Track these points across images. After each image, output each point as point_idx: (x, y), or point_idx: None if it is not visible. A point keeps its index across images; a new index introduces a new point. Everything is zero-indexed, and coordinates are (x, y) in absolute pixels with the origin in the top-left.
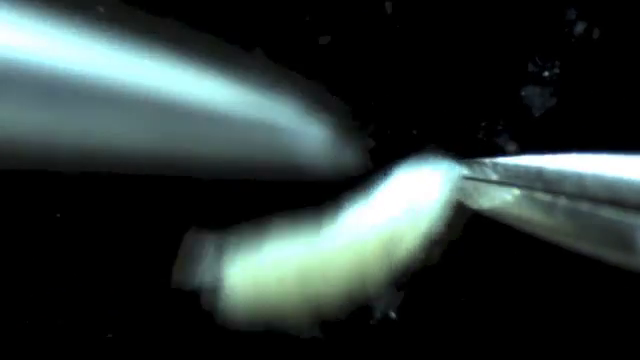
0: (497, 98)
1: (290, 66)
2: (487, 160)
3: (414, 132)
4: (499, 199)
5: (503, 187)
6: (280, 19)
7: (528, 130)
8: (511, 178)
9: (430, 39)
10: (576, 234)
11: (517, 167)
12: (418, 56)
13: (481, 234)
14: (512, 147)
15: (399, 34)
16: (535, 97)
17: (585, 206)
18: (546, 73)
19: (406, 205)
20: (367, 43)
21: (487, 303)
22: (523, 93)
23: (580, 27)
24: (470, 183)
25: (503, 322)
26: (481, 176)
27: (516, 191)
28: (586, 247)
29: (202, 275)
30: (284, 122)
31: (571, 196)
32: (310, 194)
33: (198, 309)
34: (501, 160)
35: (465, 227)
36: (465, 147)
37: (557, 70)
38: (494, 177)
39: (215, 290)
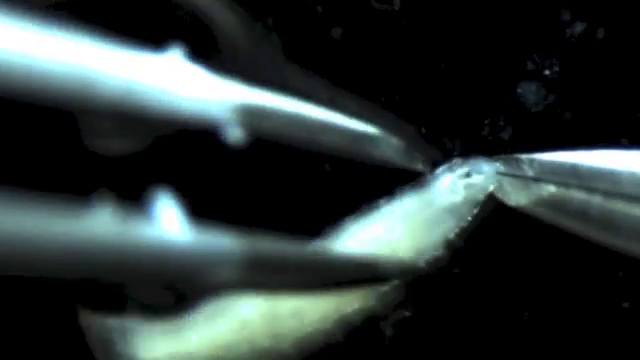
0: (497, 95)
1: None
2: (523, 156)
3: (423, 130)
4: (535, 195)
5: (538, 183)
6: (292, 11)
7: (528, 125)
8: (546, 174)
9: (434, 36)
10: (610, 231)
11: (552, 163)
12: (423, 53)
13: (511, 230)
14: (516, 143)
15: (405, 30)
16: (534, 94)
17: (620, 203)
18: (546, 72)
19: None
20: (374, 39)
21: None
22: (520, 90)
23: (580, 27)
24: (506, 179)
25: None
26: (517, 172)
27: (551, 187)
28: (620, 244)
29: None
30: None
31: (606, 193)
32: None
33: None
34: (537, 156)
35: (496, 223)
36: (470, 144)
37: (557, 68)
38: (530, 173)
39: None
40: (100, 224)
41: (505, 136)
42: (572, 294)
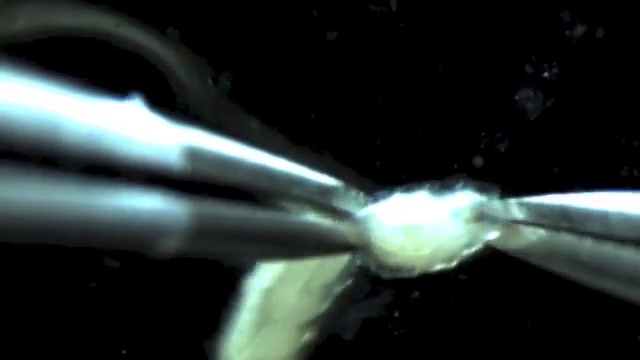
0: (494, 104)
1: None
2: (512, 200)
3: (418, 132)
4: (525, 239)
5: (528, 227)
6: (287, 14)
7: (526, 133)
8: (536, 217)
9: (433, 37)
10: (601, 274)
11: (542, 206)
12: (421, 55)
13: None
14: (512, 152)
15: (403, 32)
16: (531, 100)
17: (610, 246)
18: (546, 74)
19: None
20: (370, 42)
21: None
22: (517, 97)
23: (580, 29)
24: (495, 222)
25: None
26: (506, 216)
27: (541, 231)
28: (611, 286)
29: None
30: None
31: (596, 235)
32: None
33: None
34: (526, 199)
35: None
36: (466, 157)
37: (556, 70)
38: (520, 217)
39: None
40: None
41: (502, 147)
42: (575, 300)
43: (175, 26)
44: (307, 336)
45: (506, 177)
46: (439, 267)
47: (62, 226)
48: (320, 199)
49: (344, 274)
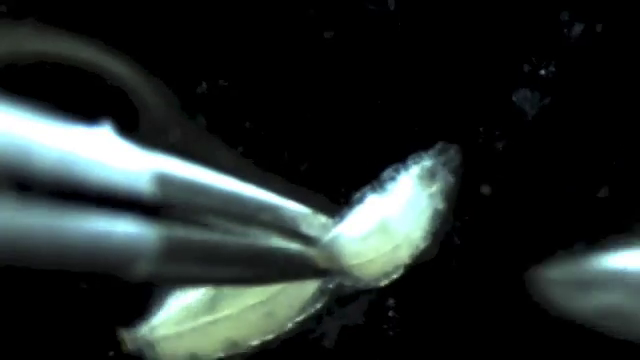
0: (492, 102)
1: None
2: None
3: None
4: None
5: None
6: (284, 13)
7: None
8: None
9: (430, 35)
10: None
11: None
12: (419, 53)
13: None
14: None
15: (401, 30)
16: (529, 99)
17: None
18: (542, 72)
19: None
20: (369, 40)
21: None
22: (515, 97)
23: (577, 28)
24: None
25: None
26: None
27: None
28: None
29: None
30: None
31: None
32: None
33: None
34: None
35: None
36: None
37: (553, 68)
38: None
39: None
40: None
41: (499, 145)
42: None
43: (148, 51)
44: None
45: (503, 175)
46: (420, 251)
47: (35, 250)
48: (289, 225)
49: (315, 297)
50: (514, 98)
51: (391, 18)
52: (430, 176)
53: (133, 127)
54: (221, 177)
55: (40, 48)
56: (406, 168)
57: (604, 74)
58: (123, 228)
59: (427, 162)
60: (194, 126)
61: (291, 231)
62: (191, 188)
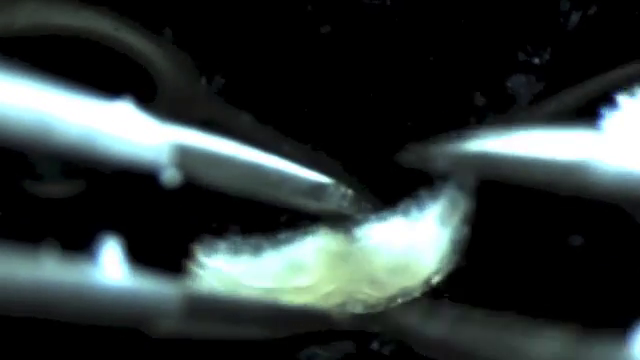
0: (485, 86)
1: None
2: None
3: (409, 124)
4: None
5: None
6: (281, 8)
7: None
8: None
9: (427, 28)
10: None
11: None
12: (415, 47)
13: None
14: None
15: (397, 25)
16: (523, 85)
17: None
18: (536, 60)
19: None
20: (366, 33)
21: None
22: (509, 83)
23: (575, 17)
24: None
25: None
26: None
27: None
28: None
29: None
30: None
31: None
32: None
33: None
34: None
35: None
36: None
37: (547, 57)
38: None
39: None
40: (47, 269)
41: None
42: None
43: (168, 25)
44: None
45: None
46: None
47: (62, 306)
48: (311, 197)
49: None
50: (508, 84)
51: (388, 12)
52: (451, 211)
53: (153, 101)
54: (242, 148)
55: (60, 22)
56: (427, 205)
57: (600, 62)
58: (147, 286)
59: (446, 199)
60: (215, 96)
61: (312, 201)
62: (211, 160)
